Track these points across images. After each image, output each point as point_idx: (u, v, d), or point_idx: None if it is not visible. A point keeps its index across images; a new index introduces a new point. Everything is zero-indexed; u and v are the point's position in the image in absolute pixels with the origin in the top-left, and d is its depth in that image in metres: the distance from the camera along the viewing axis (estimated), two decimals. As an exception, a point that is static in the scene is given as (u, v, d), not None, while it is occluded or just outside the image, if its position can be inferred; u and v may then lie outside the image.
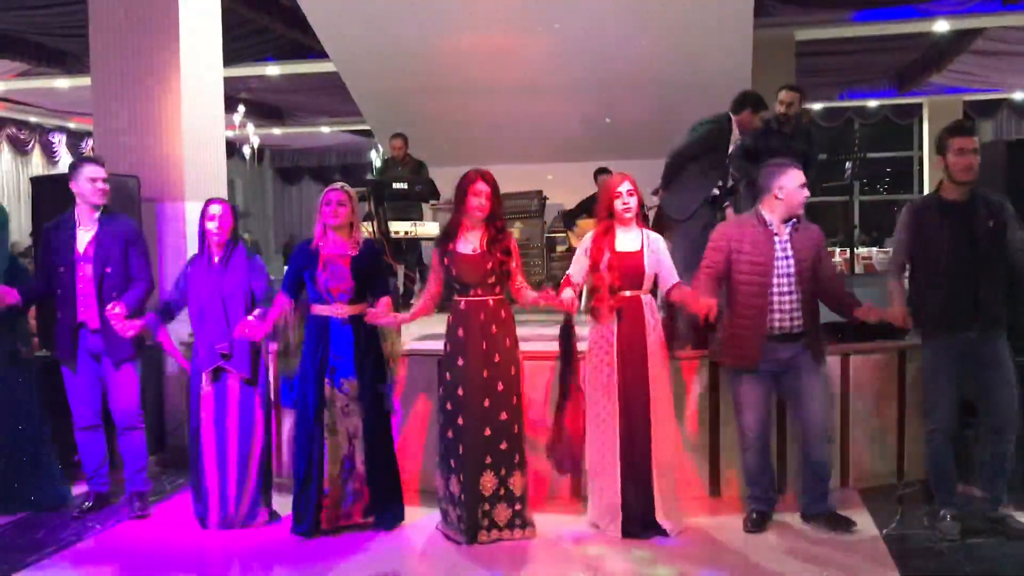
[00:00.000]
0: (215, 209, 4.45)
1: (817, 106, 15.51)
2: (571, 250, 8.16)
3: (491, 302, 4.18)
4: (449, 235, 4.23)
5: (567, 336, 4.33)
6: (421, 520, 4.46)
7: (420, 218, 7.71)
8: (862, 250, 11.43)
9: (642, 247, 4.21)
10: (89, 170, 4.56)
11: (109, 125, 6.12)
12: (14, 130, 14.69)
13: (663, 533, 4.14)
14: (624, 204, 4.20)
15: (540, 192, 8.70)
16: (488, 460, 4.12)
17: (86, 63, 6.47)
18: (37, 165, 15.00)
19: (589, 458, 4.27)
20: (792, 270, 4.11)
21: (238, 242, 4.55)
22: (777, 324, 4.12)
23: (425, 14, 8.08)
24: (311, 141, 18.48)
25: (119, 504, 4.75)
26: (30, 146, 15.02)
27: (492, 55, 8.38)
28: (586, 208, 8.08)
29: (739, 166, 5.84)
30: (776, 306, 4.11)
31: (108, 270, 4.55)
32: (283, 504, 4.54)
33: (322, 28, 8.55)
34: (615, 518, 4.16)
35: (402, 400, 4.85)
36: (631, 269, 4.18)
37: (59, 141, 15.56)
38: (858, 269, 8.66)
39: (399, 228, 6.69)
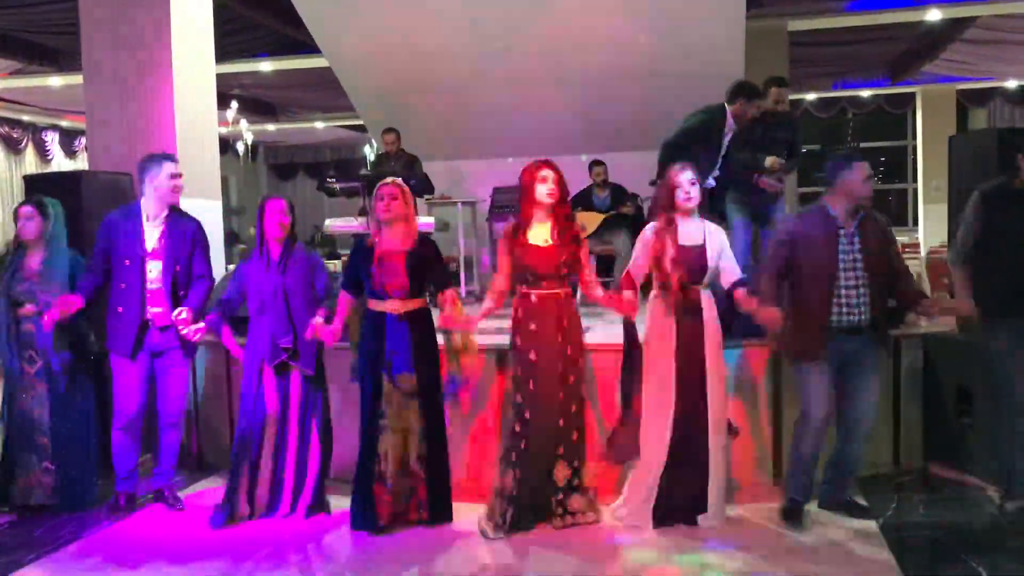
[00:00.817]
0: (275, 206, 4.42)
1: (810, 96, 15.52)
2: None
3: (563, 295, 4.14)
4: (519, 227, 4.16)
5: (630, 330, 4.29)
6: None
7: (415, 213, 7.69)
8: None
9: (704, 240, 4.15)
10: (169, 167, 4.53)
11: (102, 122, 6.11)
12: (7, 129, 14.65)
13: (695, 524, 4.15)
14: (686, 195, 4.12)
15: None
16: (561, 451, 4.12)
17: (79, 61, 6.45)
18: (31, 163, 14.97)
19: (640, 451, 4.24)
20: (858, 263, 4.03)
21: (296, 239, 4.53)
22: (844, 316, 4.04)
23: (416, 8, 8.07)
24: (305, 137, 18.45)
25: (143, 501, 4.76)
26: (23, 144, 14.99)
27: (484, 49, 8.36)
28: (580, 202, 8.08)
29: (738, 159, 5.79)
30: (843, 299, 4.03)
31: (178, 268, 4.53)
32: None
33: (314, 24, 8.53)
34: (648, 508, 4.16)
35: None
36: (695, 263, 4.12)
37: (52, 139, 15.52)
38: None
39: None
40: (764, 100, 5.81)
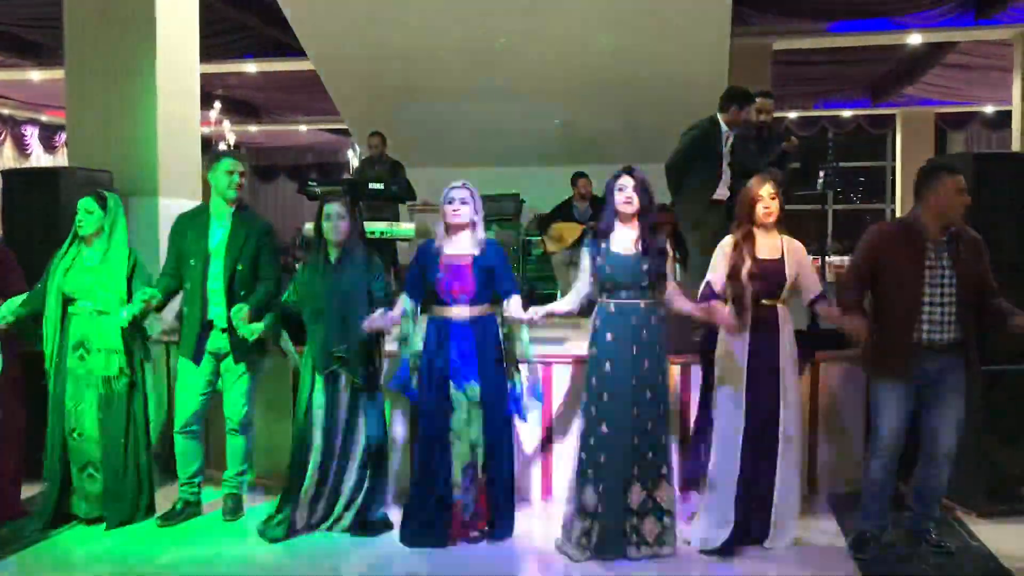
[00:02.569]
0: (332, 209, 4.27)
1: (792, 115, 15.67)
2: (545, 255, 8.21)
3: (643, 305, 3.97)
4: (603, 233, 4.02)
5: (709, 346, 4.15)
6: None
7: (396, 219, 7.69)
8: (835, 259, 11.57)
9: (782, 254, 4.02)
10: (227, 163, 4.40)
11: (82, 118, 6.05)
12: (-15, 122, 14.53)
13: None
14: (766, 208, 3.98)
15: (517, 195, 8.73)
16: (635, 472, 3.92)
17: (60, 55, 6.40)
18: (8, 158, 14.83)
19: (709, 472, 4.10)
20: (946, 280, 3.81)
21: (356, 242, 4.38)
22: (926, 335, 3.82)
23: (404, 15, 8.06)
24: (288, 139, 18.40)
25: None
26: (1, 138, 14.84)
27: (471, 58, 8.36)
28: (560, 213, 8.11)
29: (743, 159, 5.78)
30: (926, 316, 3.82)
31: (240, 268, 4.37)
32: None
33: (301, 26, 8.51)
34: (724, 535, 3.95)
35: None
36: (772, 277, 3.98)
37: (31, 134, 15.39)
38: (830, 277, 8.77)
39: (374, 228, 6.65)
40: (754, 104, 5.88)
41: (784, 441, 3.97)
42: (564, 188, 8.30)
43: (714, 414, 4.08)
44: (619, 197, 3.97)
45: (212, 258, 4.37)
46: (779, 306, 4.02)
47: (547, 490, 4.85)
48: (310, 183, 7.32)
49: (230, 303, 4.33)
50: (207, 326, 4.38)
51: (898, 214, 15.90)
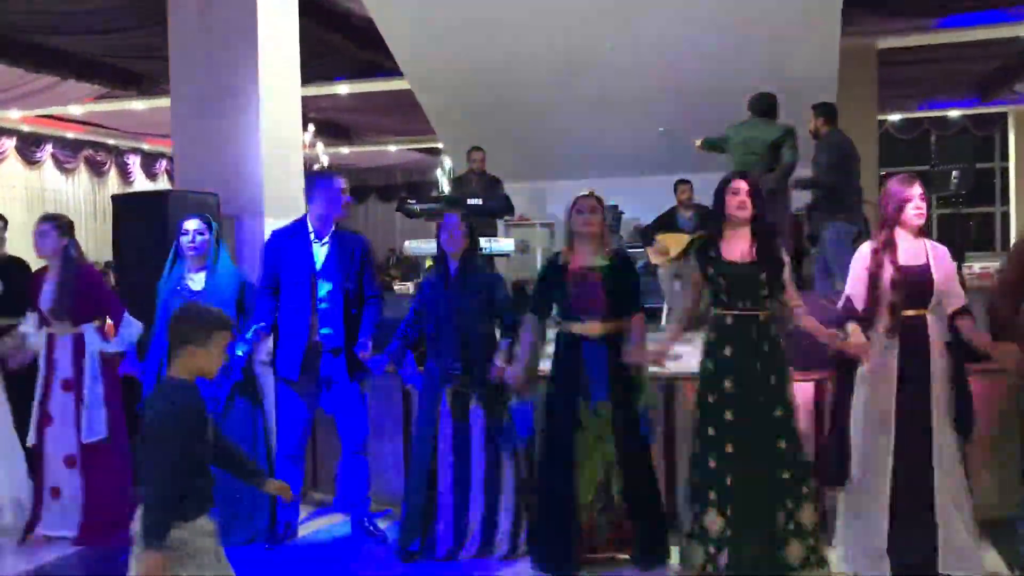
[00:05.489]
0: (450, 220, 4.17)
1: (895, 117, 15.11)
2: (649, 267, 7.97)
3: (762, 316, 3.74)
4: (712, 242, 3.82)
5: (847, 362, 3.82)
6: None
7: (495, 234, 7.59)
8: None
9: (928, 259, 3.71)
10: (339, 182, 4.37)
11: (188, 143, 6.13)
12: (92, 152, 15.05)
13: None
14: (918, 210, 3.68)
15: (615, 206, 8.53)
16: (771, 494, 3.67)
17: (162, 85, 6.52)
18: (113, 186, 15.34)
19: (850, 498, 3.82)
20: None
21: (476, 256, 4.27)
22: None
23: (498, 27, 7.99)
24: (377, 160, 18.59)
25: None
26: (107, 167, 15.38)
27: (568, 67, 8.24)
28: (664, 223, 7.88)
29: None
30: None
31: (348, 287, 4.31)
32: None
33: (396, 44, 8.52)
34: (881, 565, 3.67)
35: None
36: (917, 285, 3.67)
37: (134, 162, 15.90)
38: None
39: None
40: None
41: (941, 461, 3.63)
42: (664, 198, 8.08)
43: (856, 435, 3.76)
44: (732, 202, 3.75)
45: (320, 279, 4.29)
46: (928, 316, 3.69)
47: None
48: (408, 201, 7.28)
49: (341, 324, 4.25)
50: (314, 348, 4.30)
51: (1012, 217, 15.15)
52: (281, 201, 6.03)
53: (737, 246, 3.76)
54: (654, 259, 7.71)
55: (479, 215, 7.27)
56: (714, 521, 3.69)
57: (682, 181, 7.88)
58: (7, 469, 4.63)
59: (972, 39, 10.75)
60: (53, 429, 4.54)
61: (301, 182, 6.50)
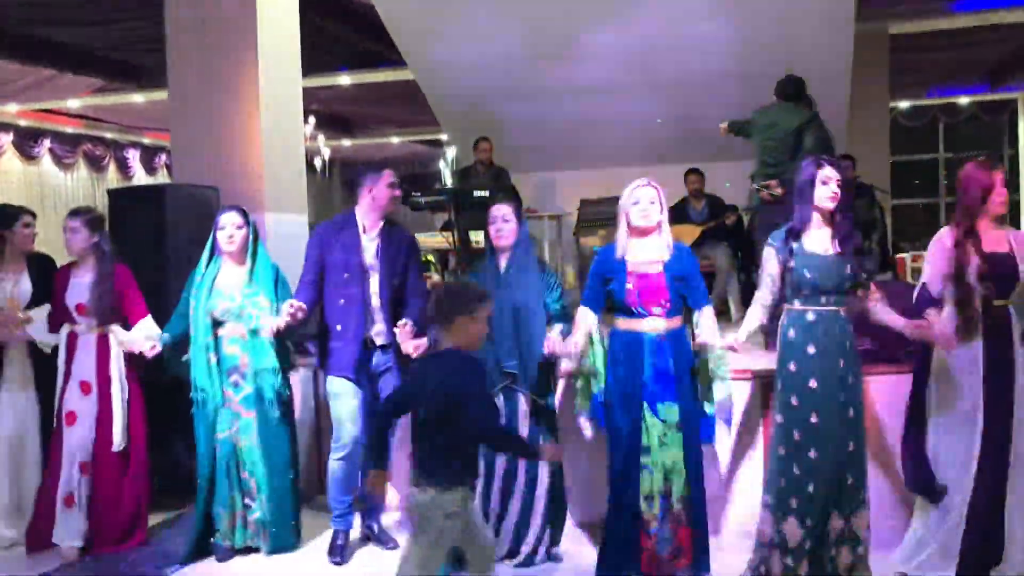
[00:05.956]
0: (498, 211, 4.03)
1: (903, 104, 14.92)
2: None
3: (843, 312, 3.60)
4: (795, 232, 3.64)
5: (925, 357, 3.73)
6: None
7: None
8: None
9: (1010, 247, 3.59)
10: (389, 176, 4.24)
11: (186, 136, 5.99)
12: (90, 146, 14.88)
13: None
14: (1001, 198, 3.56)
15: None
16: (837, 499, 3.57)
17: (161, 78, 6.35)
18: (112, 180, 15.16)
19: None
20: None
21: (527, 250, 4.09)
22: None
23: (503, 15, 7.82)
24: (379, 152, 18.42)
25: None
26: (105, 162, 15.21)
27: (573, 56, 8.06)
28: (674, 215, 7.70)
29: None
30: None
31: (396, 282, 4.19)
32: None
33: (399, 33, 8.35)
34: (949, 570, 3.57)
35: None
36: (1004, 274, 3.55)
37: (133, 156, 15.72)
38: None
39: (479, 237, 6.41)
40: None
41: (1017, 457, 3.49)
42: (674, 187, 7.90)
43: (933, 434, 3.64)
44: (824, 192, 3.57)
45: (370, 272, 4.15)
46: (1011, 306, 3.54)
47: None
48: (413, 194, 7.11)
49: (389, 319, 4.10)
50: (366, 344, 4.16)
51: (1022, 205, 14.97)
52: (282, 194, 5.91)
53: (819, 238, 3.61)
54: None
55: (486, 207, 7.12)
56: (796, 530, 3.55)
57: (692, 171, 7.70)
58: (13, 476, 4.48)
59: (986, 23, 10.56)
60: (70, 433, 4.34)
61: (303, 175, 6.37)
